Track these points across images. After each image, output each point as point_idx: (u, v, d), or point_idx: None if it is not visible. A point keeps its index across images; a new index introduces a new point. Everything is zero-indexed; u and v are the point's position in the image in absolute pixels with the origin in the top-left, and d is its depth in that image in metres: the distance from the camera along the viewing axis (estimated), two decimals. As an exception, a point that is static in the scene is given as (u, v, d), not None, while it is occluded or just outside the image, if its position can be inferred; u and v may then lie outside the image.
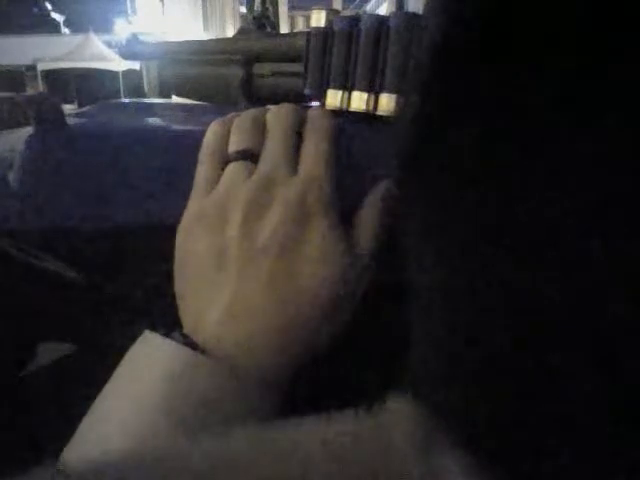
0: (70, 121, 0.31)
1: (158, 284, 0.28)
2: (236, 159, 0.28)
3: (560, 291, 0.10)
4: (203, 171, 0.29)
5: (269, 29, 0.42)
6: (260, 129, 0.29)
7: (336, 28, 0.31)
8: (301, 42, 0.33)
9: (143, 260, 0.29)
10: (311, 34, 0.32)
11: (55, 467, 0.15)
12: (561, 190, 0.10)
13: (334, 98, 0.31)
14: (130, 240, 0.29)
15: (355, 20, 0.31)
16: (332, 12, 0.34)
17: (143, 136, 0.31)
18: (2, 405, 0.29)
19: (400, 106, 0.29)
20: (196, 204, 0.28)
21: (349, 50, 0.31)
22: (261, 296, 0.25)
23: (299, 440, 0.14)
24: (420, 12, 0.28)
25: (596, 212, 0.09)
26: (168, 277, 0.28)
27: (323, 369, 0.27)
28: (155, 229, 0.29)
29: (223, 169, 0.28)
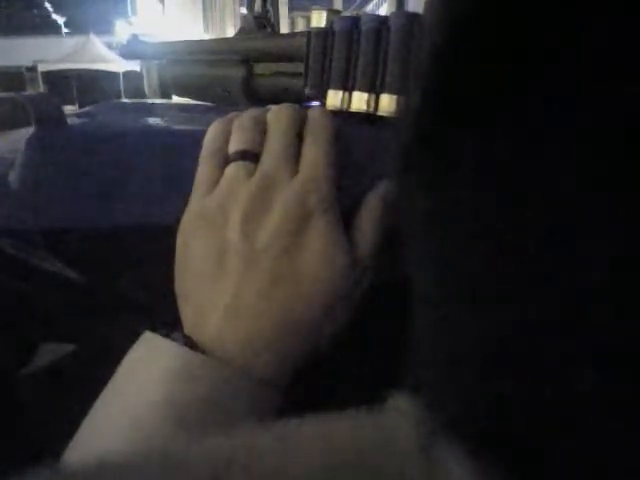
0: (70, 121, 0.31)
1: (158, 284, 0.28)
2: (236, 159, 0.28)
3: (561, 290, 0.10)
4: (203, 171, 0.29)
5: (269, 29, 0.42)
6: (260, 129, 0.29)
7: (336, 28, 0.31)
8: (301, 42, 0.33)
9: (143, 260, 0.29)
10: (311, 34, 0.32)
11: (55, 467, 0.15)
12: (561, 189, 0.10)
13: (335, 98, 0.31)
14: (130, 240, 0.29)
15: (355, 20, 0.31)
16: (332, 12, 0.34)
17: (143, 136, 0.31)
18: (2, 405, 0.29)
19: (400, 106, 0.29)
20: (196, 204, 0.28)
21: (350, 50, 0.31)
22: (261, 296, 0.25)
23: (299, 440, 0.14)
24: (420, 12, 0.28)
25: (597, 211, 0.09)
26: (168, 277, 0.28)
27: (323, 369, 0.27)
28: (155, 229, 0.29)
29: (223, 169, 0.28)
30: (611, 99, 0.09)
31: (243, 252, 0.26)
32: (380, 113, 0.30)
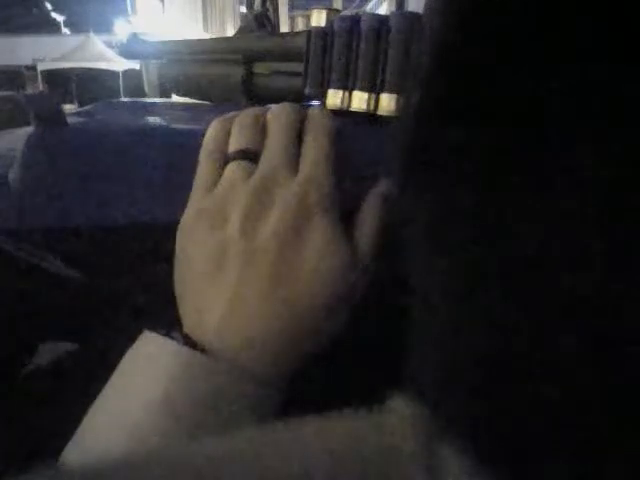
0: (70, 120, 0.31)
1: (158, 284, 0.28)
2: (236, 158, 0.28)
3: (561, 291, 0.10)
4: (203, 170, 0.29)
5: (269, 28, 0.42)
6: (260, 129, 0.29)
7: (336, 28, 0.31)
8: (302, 41, 0.33)
9: (143, 260, 0.29)
10: (312, 34, 0.32)
11: (55, 467, 0.15)
12: (562, 190, 0.10)
13: (335, 98, 0.31)
14: (130, 240, 0.29)
15: (355, 20, 0.31)
16: (332, 12, 0.34)
17: (143, 135, 0.31)
18: (2, 405, 0.29)
19: (400, 106, 0.29)
20: (196, 203, 0.28)
21: (350, 50, 0.31)
22: (261, 296, 0.25)
23: (299, 440, 0.14)
24: (420, 12, 0.28)
25: (598, 212, 0.09)
26: (168, 277, 0.28)
27: (323, 369, 0.27)
28: (155, 229, 0.29)
29: (223, 168, 0.28)
30: (612, 101, 0.09)
31: (243, 251, 0.26)
32: (380, 113, 0.30)
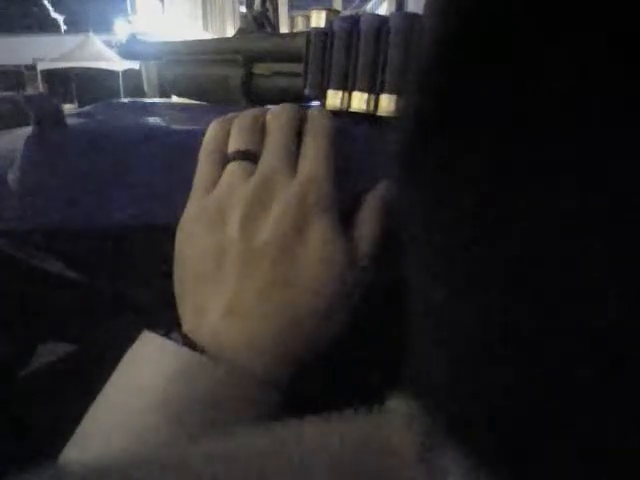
0: (70, 121, 0.31)
1: (158, 284, 0.28)
2: (236, 159, 0.28)
3: (561, 291, 0.10)
4: (203, 171, 0.29)
5: (269, 29, 0.42)
6: (260, 129, 0.29)
7: (336, 28, 0.31)
8: (301, 42, 0.33)
9: (143, 260, 0.29)
10: (311, 34, 0.32)
11: (55, 467, 0.15)
12: (561, 190, 0.10)
13: (334, 98, 0.31)
14: (130, 240, 0.29)
15: (355, 20, 0.31)
16: (332, 12, 0.34)
17: (143, 136, 0.31)
18: (2, 405, 0.29)
19: (400, 106, 0.29)
20: (196, 204, 0.28)
21: (349, 50, 0.31)
22: (261, 296, 0.25)
23: (299, 440, 0.14)
24: (420, 12, 0.28)
25: (597, 212, 0.09)
26: (168, 277, 0.28)
27: (323, 369, 0.27)
28: (155, 229, 0.29)
29: (223, 169, 0.28)
30: (612, 101, 0.09)
31: (242, 252, 0.26)
32: (380, 113, 0.30)
